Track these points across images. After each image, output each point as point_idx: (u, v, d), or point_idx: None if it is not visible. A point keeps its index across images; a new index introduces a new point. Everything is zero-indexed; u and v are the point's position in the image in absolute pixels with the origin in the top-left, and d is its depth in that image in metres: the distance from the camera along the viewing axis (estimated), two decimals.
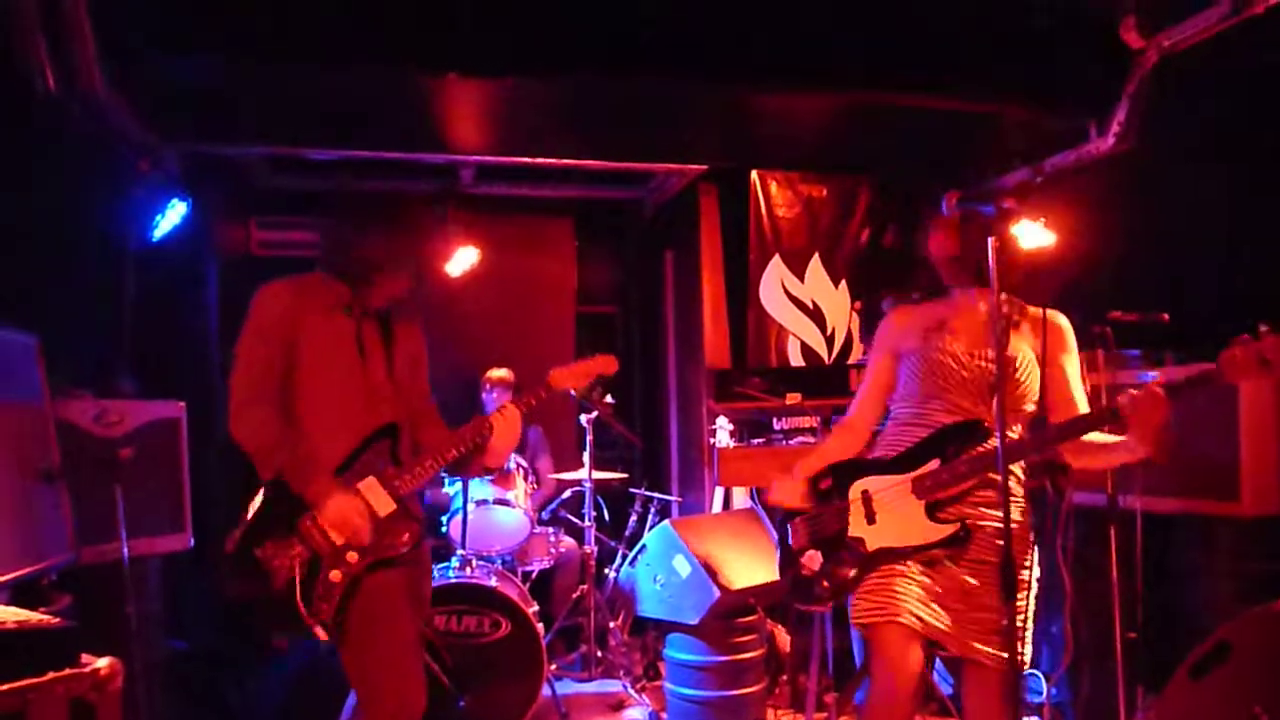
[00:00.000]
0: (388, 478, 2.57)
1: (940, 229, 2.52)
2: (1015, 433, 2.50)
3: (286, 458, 2.49)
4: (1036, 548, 2.51)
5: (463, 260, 5.47)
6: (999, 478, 2.31)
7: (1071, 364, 2.53)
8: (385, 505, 2.54)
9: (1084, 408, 2.50)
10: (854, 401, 2.76)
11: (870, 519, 2.51)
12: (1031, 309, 2.56)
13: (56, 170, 3.82)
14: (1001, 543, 2.19)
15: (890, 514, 2.48)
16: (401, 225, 2.66)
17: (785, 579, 2.68)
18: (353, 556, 2.49)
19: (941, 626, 2.38)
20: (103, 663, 1.86)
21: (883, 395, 2.70)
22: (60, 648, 1.85)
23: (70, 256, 3.94)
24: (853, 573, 2.48)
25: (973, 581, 2.40)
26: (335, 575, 2.48)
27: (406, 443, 2.71)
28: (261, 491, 2.53)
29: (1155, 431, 2.22)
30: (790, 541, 2.66)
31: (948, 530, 2.39)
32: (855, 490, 2.56)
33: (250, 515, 2.51)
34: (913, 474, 2.47)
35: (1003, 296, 2.48)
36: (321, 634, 2.44)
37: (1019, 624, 2.34)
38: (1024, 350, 2.48)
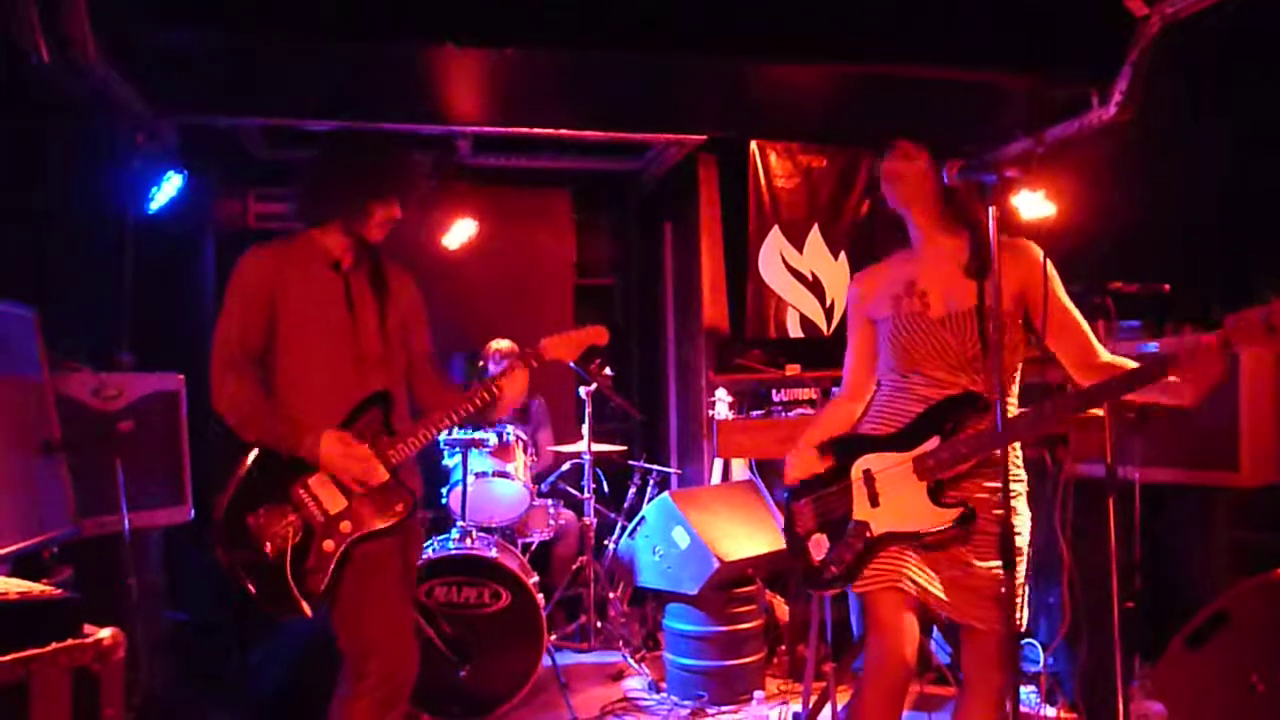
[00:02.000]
0: (380, 447, 2.54)
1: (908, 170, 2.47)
2: (1013, 398, 2.47)
3: (268, 424, 2.48)
4: (1030, 514, 2.50)
5: (461, 232, 5.46)
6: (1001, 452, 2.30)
7: (1063, 295, 2.42)
8: (378, 475, 2.52)
9: (1095, 342, 2.39)
10: (844, 374, 2.73)
11: (874, 501, 2.47)
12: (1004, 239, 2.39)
13: (52, 142, 3.80)
14: (999, 512, 2.19)
15: (893, 496, 2.45)
16: (381, 148, 2.64)
17: (795, 564, 2.65)
18: (346, 526, 2.48)
19: (939, 593, 2.39)
20: (105, 633, 1.86)
21: (870, 363, 2.66)
22: (63, 618, 1.85)
23: (67, 229, 3.93)
24: (859, 557, 2.45)
25: (970, 550, 2.40)
26: (328, 545, 2.46)
27: (400, 410, 2.67)
28: (253, 454, 2.50)
29: (1209, 386, 2.14)
30: (796, 527, 2.64)
31: (952, 516, 2.36)
32: (857, 469, 2.52)
33: (240, 478, 2.48)
34: (913, 453, 2.42)
35: (969, 239, 2.43)
36: (307, 610, 2.42)
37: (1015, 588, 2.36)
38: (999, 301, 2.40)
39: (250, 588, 2.45)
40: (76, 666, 1.80)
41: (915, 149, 2.50)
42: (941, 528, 2.36)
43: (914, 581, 2.38)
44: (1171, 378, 2.13)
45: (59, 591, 1.95)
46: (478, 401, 2.64)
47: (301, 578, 2.44)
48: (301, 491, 2.49)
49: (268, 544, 2.45)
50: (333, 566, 2.46)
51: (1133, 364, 2.25)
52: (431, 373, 2.84)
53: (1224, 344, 2.06)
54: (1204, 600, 2.80)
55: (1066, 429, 3.55)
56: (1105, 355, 2.39)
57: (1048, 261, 2.38)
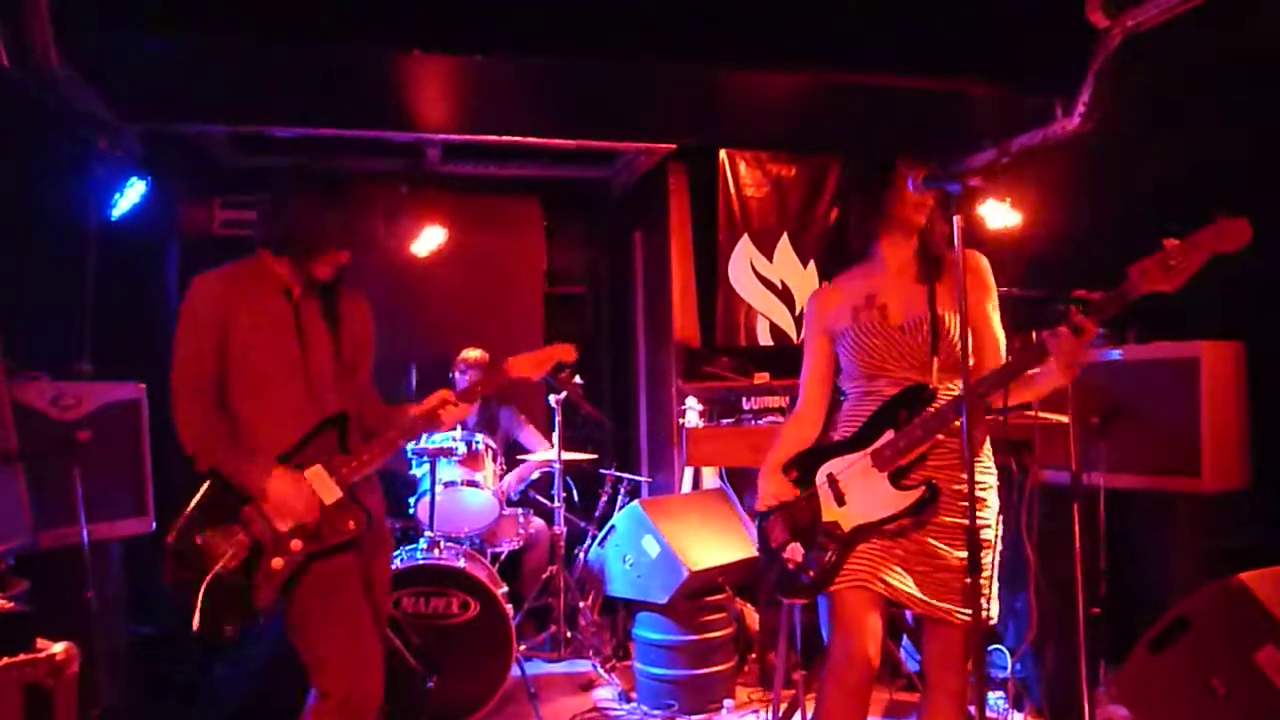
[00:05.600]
0: (335, 465, 2.55)
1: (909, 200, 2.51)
2: (956, 389, 2.50)
3: (221, 453, 2.48)
4: (999, 508, 2.53)
5: (430, 240, 5.43)
6: (955, 438, 2.37)
7: (992, 305, 2.56)
8: (331, 493, 2.53)
9: (1002, 350, 2.53)
10: (800, 388, 2.76)
11: (840, 501, 2.52)
12: (950, 252, 2.51)
13: (12, 148, 3.74)
14: (964, 504, 2.23)
15: (857, 491, 2.50)
16: (342, 198, 2.61)
17: (771, 575, 2.67)
18: (296, 544, 2.47)
19: (906, 589, 2.41)
20: (58, 648, 1.84)
21: (826, 377, 2.71)
22: (14, 632, 1.82)
23: (27, 236, 3.86)
24: (834, 557, 2.48)
25: (936, 543, 2.43)
26: (277, 563, 2.46)
27: (356, 430, 2.68)
28: (206, 482, 2.52)
29: (1074, 363, 2.26)
30: (770, 541, 2.66)
31: (915, 495, 2.41)
32: (820, 476, 2.57)
33: (193, 504, 2.50)
34: (870, 448, 2.48)
35: (922, 244, 2.56)
36: (226, 632, 2.42)
37: (983, 580, 2.35)
38: (949, 308, 2.49)
39: (197, 607, 2.42)
40: (28, 682, 1.77)
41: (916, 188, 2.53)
42: (907, 506, 2.41)
43: (884, 582, 2.42)
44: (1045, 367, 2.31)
45: (10, 605, 1.91)
46: (423, 428, 2.73)
47: (247, 594, 2.43)
48: (250, 509, 2.48)
49: (216, 563, 2.44)
50: (281, 584, 2.46)
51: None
52: (372, 400, 2.86)
53: (1131, 291, 2.18)
54: (1168, 606, 2.82)
55: (1029, 435, 3.59)
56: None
57: (989, 273, 2.57)
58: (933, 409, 2.43)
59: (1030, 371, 2.36)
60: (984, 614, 2.40)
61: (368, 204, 2.66)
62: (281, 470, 2.48)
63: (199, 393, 2.52)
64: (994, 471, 2.56)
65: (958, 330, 2.42)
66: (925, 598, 2.42)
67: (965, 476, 2.27)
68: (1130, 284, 2.18)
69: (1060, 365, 2.27)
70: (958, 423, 2.32)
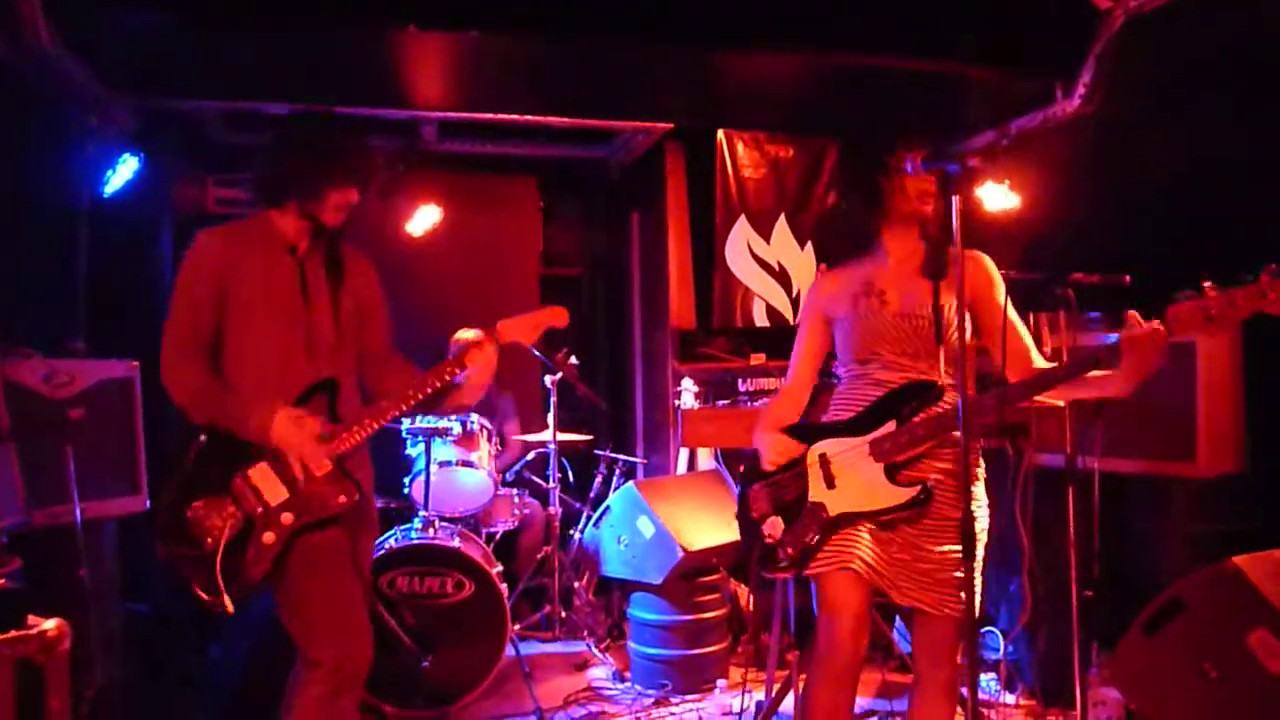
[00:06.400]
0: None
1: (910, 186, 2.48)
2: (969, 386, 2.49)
3: (218, 402, 2.45)
4: (987, 500, 2.52)
5: (425, 219, 5.40)
6: (958, 435, 2.32)
7: (1009, 306, 2.48)
8: (320, 465, 2.49)
9: (1034, 349, 2.47)
10: (790, 366, 2.75)
11: (830, 483, 2.50)
12: (951, 250, 2.47)
13: (4, 124, 3.70)
14: (952, 495, 2.21)
15: (850, 477, 2.47)
16: (335, 132, 2.59)
17: (748, 548, 2.66)
18: (287, 517, 2.44)
19: (889, 575, 2.41)
20: (50, 624, 1.83)
21: (816, 358, 2.70)
22: (5, 610, 1.81)
23: (19, 213, 3.83)
24: (815, 538, 2.47)
25: (921, 534, 2.42)
26: (268, 537, 2.43)
27: (349, 399, 2.63)
28: (196, 446, 2.47)
29: (1147, 373, 2.21)
30: (751, 510, 2.65)
31: (909, 494, 2.38)
32: (813, 454, 2.55)
33: (182, 471, 2.45)
34: (869, 436, 2.45)
35: (925, 246, 2.51)
36: (228, 605, 2.37)
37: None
38: (951, 300, 2.43)
39: (191, 581, 2.40)
40: (19, 658, 1.77)
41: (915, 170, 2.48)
42: (898, 503, 2.39)
43: (865, 562, 2.40)
44: (1101, 371, 2.25)
45: (2, 582, 1.90)
46: (446, 377, 2.60)
47: (239, 570, 2.40)
48: (240, 482, 2.45)
49: (208, 538, 2.41)
50: (272, 558, 2.43)
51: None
52: (393, 362, 2.80)
53: (1165, 333, 2.13)
54: (1161, 589, 2.83)
55: (1025, 419, 3.59)
56: (1040, 362, 2.47)
57: (996, 271, 2.52)
58: (940, 409, 2.40)
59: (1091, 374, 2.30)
60: (963, 607, 2.39)
61: (360, 137, 2.63)
62: (285, 411, 2.43)
63: (192, 344, 2.48)
64: (982, 464, 2.54)
65: (957, 329, 2.40)
66: (904, 587, 2.41)
67: (954, 468, 2.24)
68: (1165, 329, 2.13)
69: (1129, 372, 2.21)
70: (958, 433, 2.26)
